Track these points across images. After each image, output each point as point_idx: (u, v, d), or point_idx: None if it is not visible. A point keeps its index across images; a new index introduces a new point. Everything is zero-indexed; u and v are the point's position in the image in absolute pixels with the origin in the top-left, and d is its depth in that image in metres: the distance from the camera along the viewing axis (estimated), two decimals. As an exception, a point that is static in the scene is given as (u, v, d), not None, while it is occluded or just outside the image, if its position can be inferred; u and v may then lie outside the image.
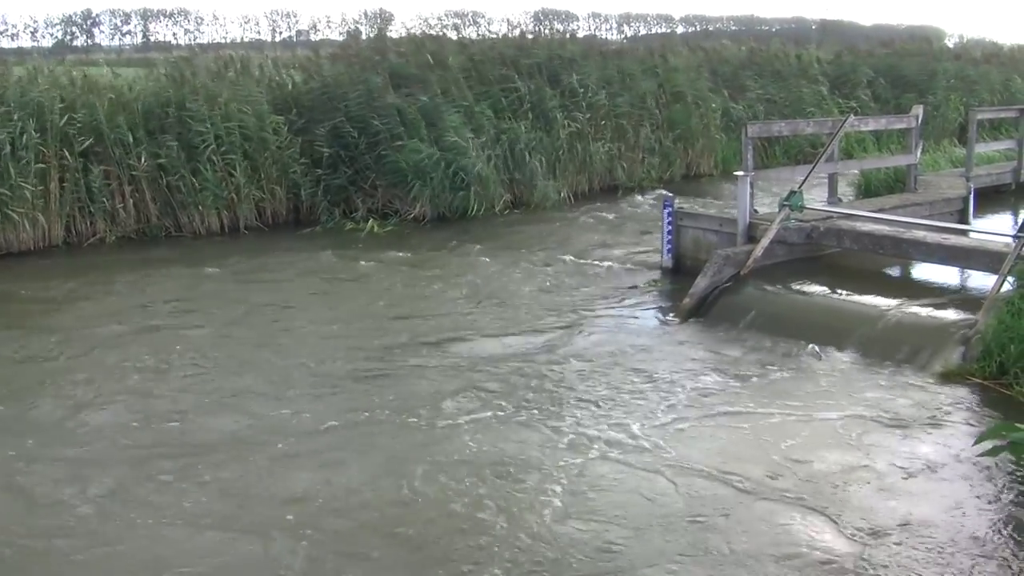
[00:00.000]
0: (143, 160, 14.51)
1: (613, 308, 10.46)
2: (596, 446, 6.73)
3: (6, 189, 13.30)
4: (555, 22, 60.49)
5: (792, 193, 10.76)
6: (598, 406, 7.51)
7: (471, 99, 16.94)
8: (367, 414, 7.42)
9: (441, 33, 19.67)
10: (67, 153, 14.05)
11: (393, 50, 18.24)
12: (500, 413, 7.39)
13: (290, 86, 16.90)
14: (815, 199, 13.11)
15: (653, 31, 66.69)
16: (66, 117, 14.19)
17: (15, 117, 13.65)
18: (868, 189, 14.78)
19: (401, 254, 13.32)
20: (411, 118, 15.93)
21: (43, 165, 13.72)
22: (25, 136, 13.53)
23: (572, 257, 12.88)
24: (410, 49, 18.15)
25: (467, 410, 7.47)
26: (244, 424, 7.32)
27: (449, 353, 8.97)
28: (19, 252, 13.55)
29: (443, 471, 6.35)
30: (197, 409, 7.64)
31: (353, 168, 15.82)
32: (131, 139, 14.47)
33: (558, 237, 14.39)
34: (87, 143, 14.28)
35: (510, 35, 19.69)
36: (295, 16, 72.90)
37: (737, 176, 11.23)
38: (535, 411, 7.42)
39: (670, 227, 11.75)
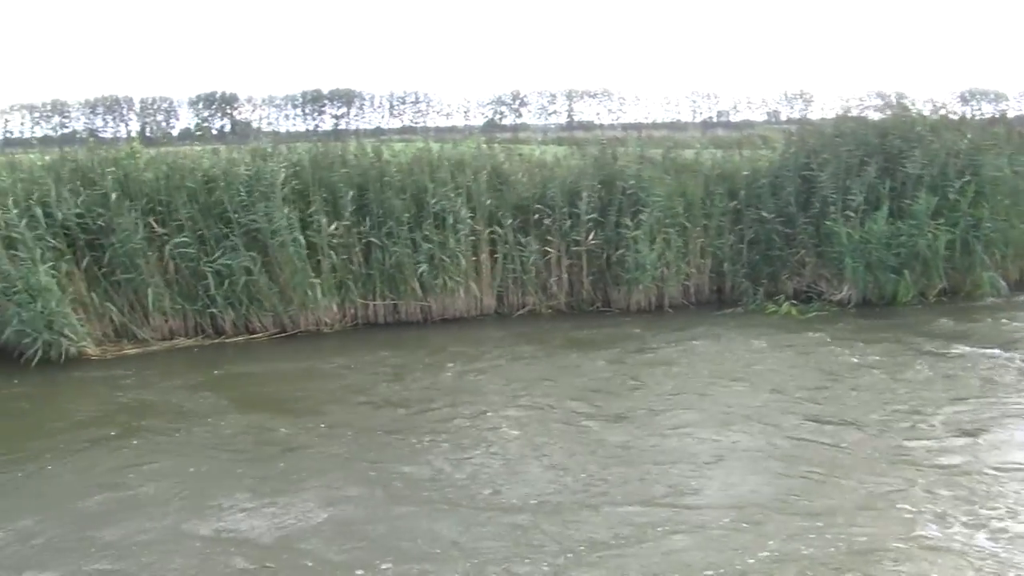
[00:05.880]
0: (591, 236, 15.03)
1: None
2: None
3: (447, 256, 14.46)
4: (983, 101, 56.49)
5: None
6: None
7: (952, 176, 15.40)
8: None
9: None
10: (498, 227, 14.92)
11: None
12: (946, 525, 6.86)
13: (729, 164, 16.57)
14: None
15: (1095, 106, 60.35)
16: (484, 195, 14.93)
17: (456, 194, 14.66)
18: None
19: (826, 339, 12.80)
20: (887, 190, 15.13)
21: (473, 237, 14.77)
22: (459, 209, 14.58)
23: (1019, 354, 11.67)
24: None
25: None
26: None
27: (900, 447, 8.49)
28: (454, 318, 14.71)
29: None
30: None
31: (782, 248, 15.46)
32: (581, 213, 14.97)
33: (1001, 331, 13.14)
34: (522, 217, 15.12)
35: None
36: (715, 97, 73.94)
37: None
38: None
39: None
